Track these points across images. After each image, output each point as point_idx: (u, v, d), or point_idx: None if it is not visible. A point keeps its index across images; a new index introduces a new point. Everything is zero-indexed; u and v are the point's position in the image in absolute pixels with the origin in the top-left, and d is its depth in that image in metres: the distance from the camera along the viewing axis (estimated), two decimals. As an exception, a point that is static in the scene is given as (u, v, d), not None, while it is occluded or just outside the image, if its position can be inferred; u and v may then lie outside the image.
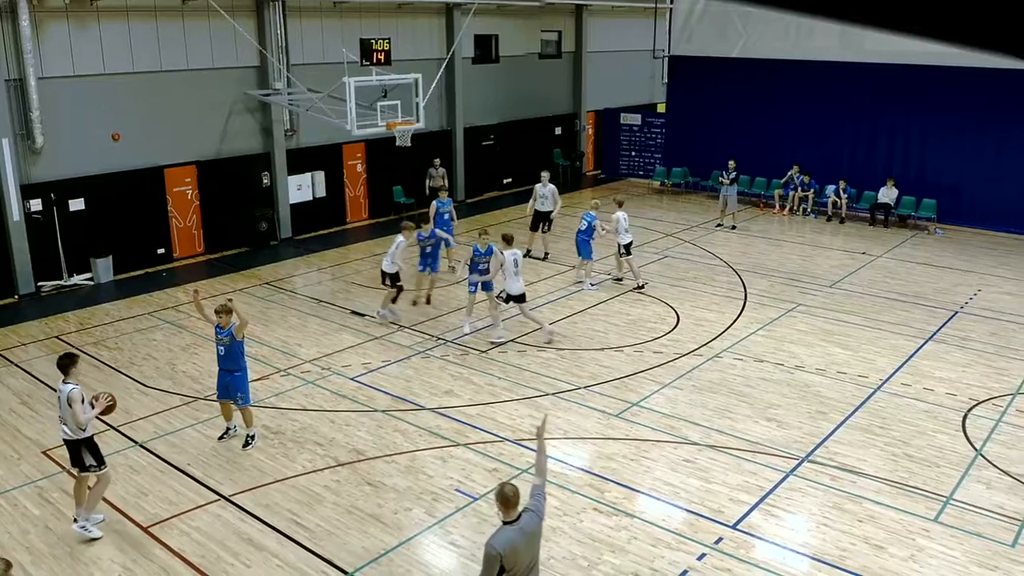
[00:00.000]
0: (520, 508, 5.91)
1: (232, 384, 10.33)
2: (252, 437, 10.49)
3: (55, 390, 11.44)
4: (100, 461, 8.68)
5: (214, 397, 11.82)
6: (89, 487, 8.73)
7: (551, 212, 18.45)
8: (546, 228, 18.63)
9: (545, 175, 18.93)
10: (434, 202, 17.56)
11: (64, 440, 8.68)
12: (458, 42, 22.90)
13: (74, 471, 8.83)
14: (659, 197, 25.94)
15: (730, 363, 12.97)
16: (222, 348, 10.29)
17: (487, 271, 14.02)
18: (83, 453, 8.57)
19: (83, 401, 8.50)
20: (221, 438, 10.63)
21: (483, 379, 12.44)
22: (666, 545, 8.43)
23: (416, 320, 14.88)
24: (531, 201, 18.73)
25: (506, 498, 5.81)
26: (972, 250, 19.73)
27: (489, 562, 5.66)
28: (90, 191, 17.17)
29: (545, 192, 18.47)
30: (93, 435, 8.73)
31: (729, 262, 18.45)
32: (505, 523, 5.84)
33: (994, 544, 8.43)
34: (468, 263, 14.55)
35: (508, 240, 14.02)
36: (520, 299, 13.80)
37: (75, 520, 8.65)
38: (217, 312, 10.25)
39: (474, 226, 21.13)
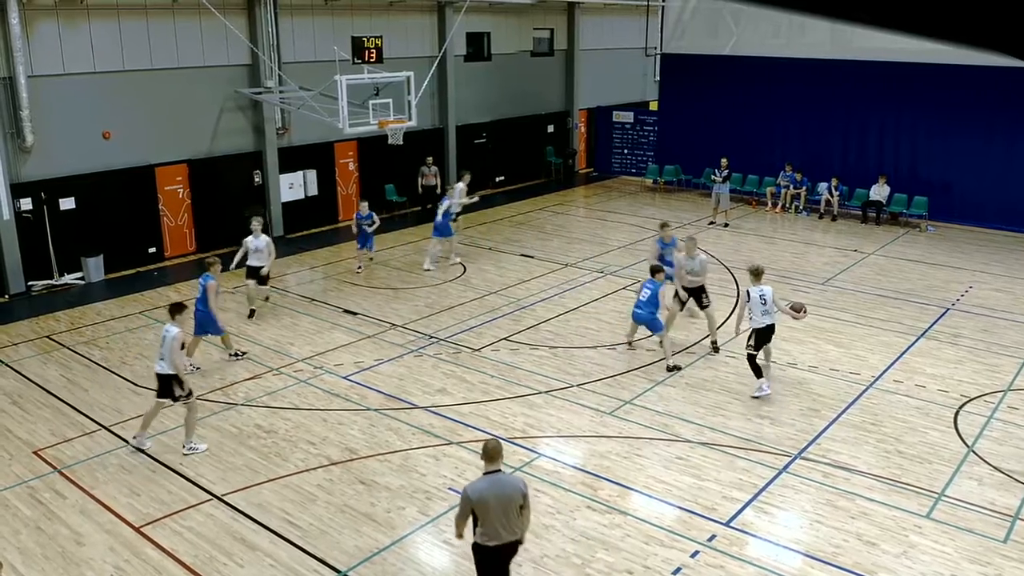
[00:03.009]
0: (501, 466, 6.69)
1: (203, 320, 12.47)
2: (236, 355, 13.03)
3: (47, 390, 11.40)
4: (188, 393, 10.21)
5: (207, 396, 11.81)
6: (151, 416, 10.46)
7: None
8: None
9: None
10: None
11: (158, 374, 10.15)
12: (450, 40, 22.88)
13: (162, 400, 10.22)
14: (651, 195, 25.96)
15: (722, 360, 12.99)
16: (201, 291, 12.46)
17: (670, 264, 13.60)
18: (174, 386, 10.09)
19: (182, 347, 10.33)
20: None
21: (476, 377, 12.43)
22: (659, 543, 8.44)
23: (410, 319, 14.86)
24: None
25: (487, 451, 6.69)
26: (963, 247, 19.80)
27: (462, 504, 6.64)
28: (81, 190, 17.09)
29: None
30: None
31: (721, 260, 18.48)
32: (484, 473, 6.66)
33: (986, 540, 8.46)
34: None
35: (757, 274, 11.68)
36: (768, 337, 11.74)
37: (133, 437, 10.39)
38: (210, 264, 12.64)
39: (467, 224, 21.16)
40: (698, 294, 13.36)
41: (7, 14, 15.35)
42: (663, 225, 14.83)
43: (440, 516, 8.88)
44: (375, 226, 17.31)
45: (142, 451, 10.30)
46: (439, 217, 17.60)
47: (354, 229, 17.65)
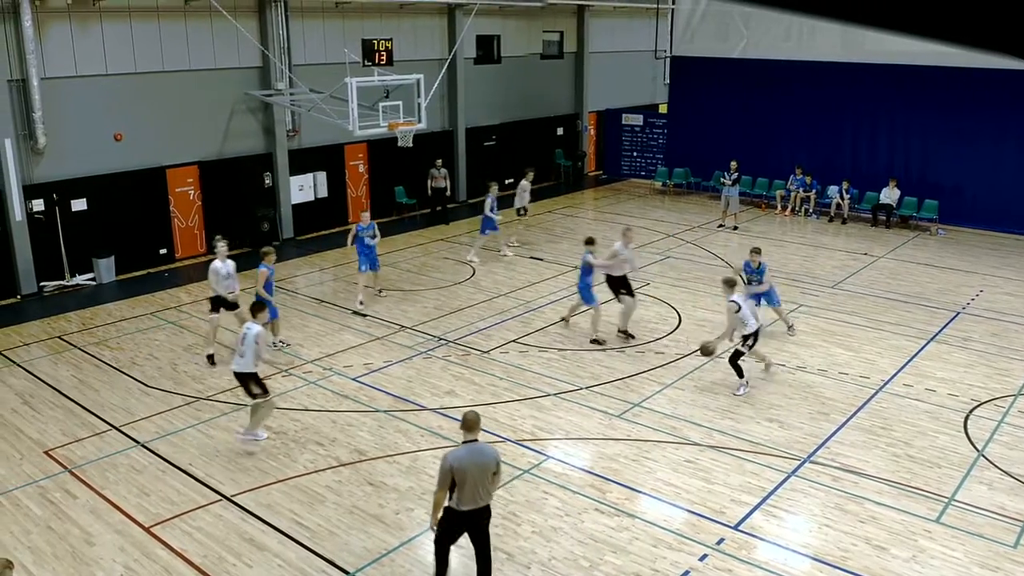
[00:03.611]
0: (479, 437, 7.20)
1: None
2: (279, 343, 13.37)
3: (58, 390, 11.47)
4: (264, 391, 10.38)
5: (216, 397, 11.87)
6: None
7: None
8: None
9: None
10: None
11: (236, 372, 10.33)
12: (460, 42, 22.92)
13: (247, 398, 10.51)
14: (661, 198, 25.94)
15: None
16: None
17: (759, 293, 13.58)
18: (251, 384, 10.28)
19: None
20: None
21: (485, 379, 12.45)
22: (668, 546, 8.43)
23: (419, 321, 14.88)
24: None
25: (466, 422, 7.18)
26: (974, 251, 19.72)
27: (441, 472, 7.05)
28: (92, 191, 17.19)
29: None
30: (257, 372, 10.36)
31: (731, 263, 18.44)
32: (463, 442, 7.16)
33: (996, 545, 8.42)
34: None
35: (731, 284, 11.99)
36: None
37: (238, 430, 10.58)
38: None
39: (476, 227, 21.17)
40: (627, 283, 14.00)
41: (20, 17, 15.45)
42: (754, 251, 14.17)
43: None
44: (377, 239, 15.61)
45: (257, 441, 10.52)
46: (487, 212, 18.37)
47: (350, 242, 15.88)
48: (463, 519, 7.15)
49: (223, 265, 12.95)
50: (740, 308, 11.64)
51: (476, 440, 7.18)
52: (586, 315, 14.29)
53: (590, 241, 14.17)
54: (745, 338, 11.74)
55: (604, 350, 13.50)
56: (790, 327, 14.15)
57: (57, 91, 16.42)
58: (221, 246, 13.18)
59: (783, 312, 14.27)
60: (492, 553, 7.51)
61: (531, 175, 20.27)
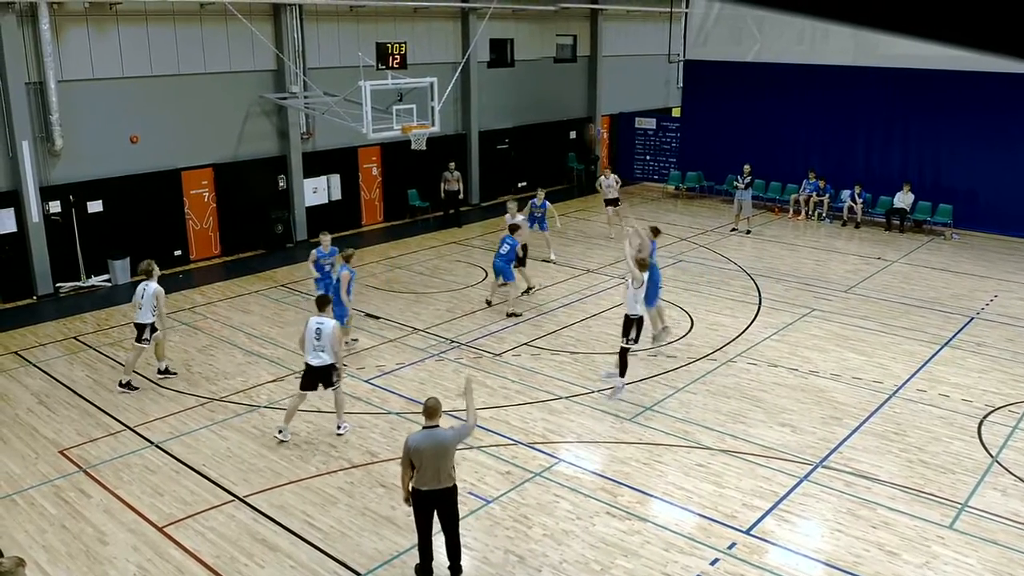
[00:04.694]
0: (439, 422, 7.66)
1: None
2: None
3: (73, 390, 11.57)
4: (338, 379, 10.73)
5: (230, 398, 11.93)
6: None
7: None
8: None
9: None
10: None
11: (318, 365, 10.48)
12: (473, 46, 22.97)
13: (329, 389, 10.71)
14: (674, 201, 25.91)
15: (744, 368, 12.94)
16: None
17: None
18: (333, 374, 10.60)
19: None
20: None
21: (496, 382, 12.46)
22: (679, 550, 8.42)
23: (431, 323, 14.92)
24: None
25: (427, 409, 7.68)
26: (989, 255, 19.60)
27: (403, 453, 7.62)
28: (108, 193, 17.32)
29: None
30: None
31: (743, 266, 18.41)
32: (423, 428, 7.63)
33: (1010, 552, 8.37)
34: None
35: (656, 232, 13.08)
36: None
37: (338, 427, 10.93)
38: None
39: (488, 230, 21.22)
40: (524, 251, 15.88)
41: (38, 20, 15.60)
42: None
43: (460, 520, 8.88)
44: (335, 269, 13.42)
45: (284, 441, 10.66)
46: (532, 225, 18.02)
47: (313, 271, 14.07)
48: (425, 498, 7.60)
49: (143, 287, 12.17)
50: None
51: (437, 426, 7.63)
52: (507, 292, 15.32)
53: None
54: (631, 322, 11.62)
55: (616, 353, 13.49)
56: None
57: (74, 94, 16.56)
58: (146, 272, 12.39)
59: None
60: (504, 556, 7.52)
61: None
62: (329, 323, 10.52)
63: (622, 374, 11.90)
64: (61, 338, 14.42)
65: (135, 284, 17.36)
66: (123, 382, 12.22)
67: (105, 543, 8.62)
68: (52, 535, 8.77)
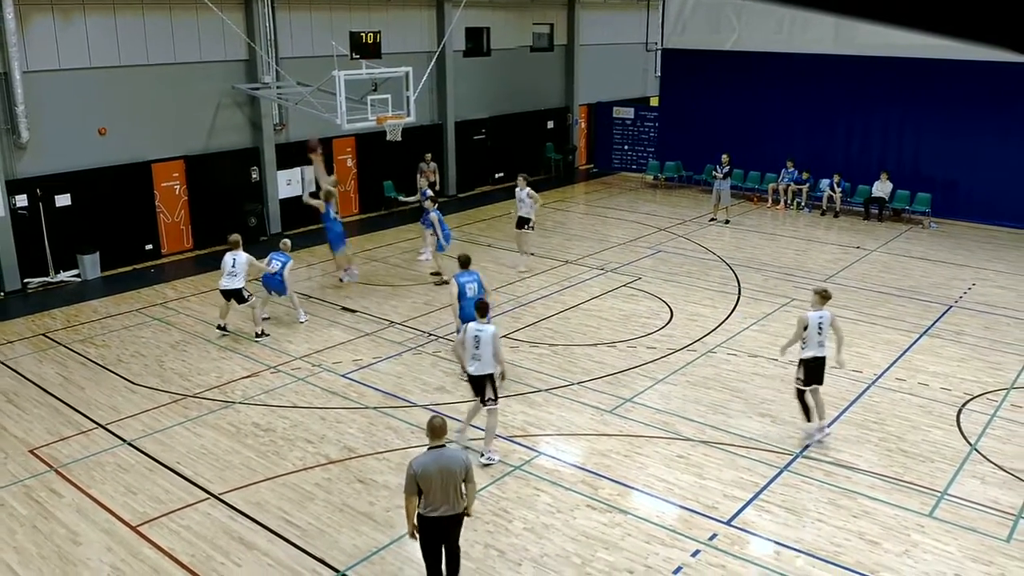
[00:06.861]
0: (446, 442, 7.08)
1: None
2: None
3: (43, 388, 11.27)
4: (496, 397, 9.69)
5: (204, 395, 11.73)
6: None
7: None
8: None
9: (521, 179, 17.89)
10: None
11: (479, 375, 9.56)
12: (449, 35, 22.75)
13: (479, 402, 9.74)
14: (652, 191, 25.86)
15: (724, 358, 12.91)
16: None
17: None
18: (487, 387, 9.58)
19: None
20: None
21: (475, 375, 12.33)
22: (660, 542, 8.37)
23: (408, 316, 14.77)
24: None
25: (432, 427, 7.04)
26: (967, 244, 19.71)
27: (407, 479, 6.90)
28: (76, 186, 16.99)
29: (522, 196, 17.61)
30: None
31: (723, 257, 18.39)
32: (429, 448, 7.01)
33: (989, 539, 8.39)
34: None
35: (825, 297, 10.28)
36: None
37: (482, 455, 9.79)
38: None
39: (465, 221, 21.08)
40: None
41: (2, 9, 15.21)
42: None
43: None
44: (286, 267, 14.13)
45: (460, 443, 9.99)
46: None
47: (266, 289, 14.36)
48: (436, 525, 7.01)
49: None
50: (807, 327, 10.24)
51: (443, 446, 7.03)
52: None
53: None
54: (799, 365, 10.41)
55: (595, 345, 13.42)
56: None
57: (40, 85, 16.20)
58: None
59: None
60: (484, 550, 7.42)
61: (523, 181, 18.11)
62: (490, 328, 9.55)
63: (808, 418, 10.38)
64: (30, 335, 14.13)
65: (106, 279, 17.24)
66: (258, 332, 13.78)
67: (78, 543, 8.44)
68: (23, 536, 8.57)
